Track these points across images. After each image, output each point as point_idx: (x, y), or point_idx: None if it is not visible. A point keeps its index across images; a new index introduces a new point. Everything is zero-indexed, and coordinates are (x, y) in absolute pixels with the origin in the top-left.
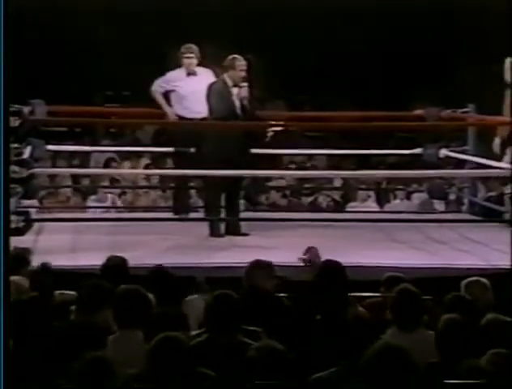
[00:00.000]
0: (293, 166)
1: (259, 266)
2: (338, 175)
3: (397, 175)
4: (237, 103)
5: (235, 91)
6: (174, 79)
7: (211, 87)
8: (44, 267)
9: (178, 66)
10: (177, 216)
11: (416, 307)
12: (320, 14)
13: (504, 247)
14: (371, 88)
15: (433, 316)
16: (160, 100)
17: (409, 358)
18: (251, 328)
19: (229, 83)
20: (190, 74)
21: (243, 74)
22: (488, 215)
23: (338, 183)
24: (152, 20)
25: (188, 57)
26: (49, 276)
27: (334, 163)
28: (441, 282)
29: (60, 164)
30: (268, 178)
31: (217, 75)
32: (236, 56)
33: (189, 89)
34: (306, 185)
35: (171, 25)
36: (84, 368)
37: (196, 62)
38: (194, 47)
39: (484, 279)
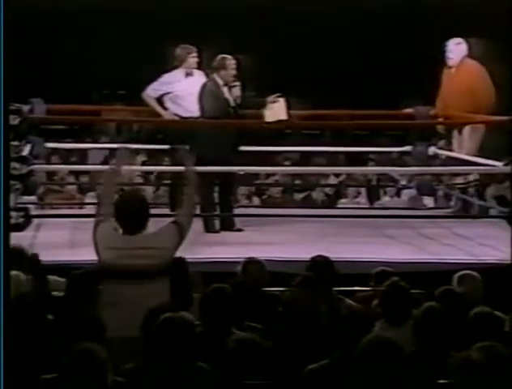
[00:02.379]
0: (288, 163)
1: (254, 262)
2: (330, 171)
3: (390, 171)
4: (230, 102)
5: (226, 90)
6: (171, 81)
7: (203, 87)
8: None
9: (173, 67)
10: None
11: (404, 301)
12: (317, 15)
13: (490, 242)
14: (363, 87)
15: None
16: (154, 104)
17: (399, 350)
18: (251, 324)
19: (220, 82)
20: (189, 74)
21: (234, 73)
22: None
23: (331, 180)
24: (149, 20)
25: (194, 57)
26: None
27: (329, 161)
28: (429, 276)
29: (58, 162)
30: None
31: (208, 77)
32: (226, 56)
33: (187, 90)
34: (297, 182)
35: (167, 25)
36: (73, 360)
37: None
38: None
39: (475, 273)
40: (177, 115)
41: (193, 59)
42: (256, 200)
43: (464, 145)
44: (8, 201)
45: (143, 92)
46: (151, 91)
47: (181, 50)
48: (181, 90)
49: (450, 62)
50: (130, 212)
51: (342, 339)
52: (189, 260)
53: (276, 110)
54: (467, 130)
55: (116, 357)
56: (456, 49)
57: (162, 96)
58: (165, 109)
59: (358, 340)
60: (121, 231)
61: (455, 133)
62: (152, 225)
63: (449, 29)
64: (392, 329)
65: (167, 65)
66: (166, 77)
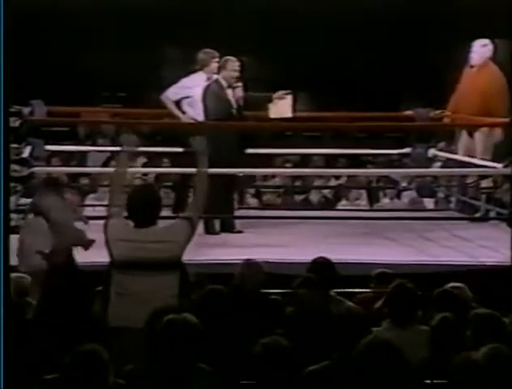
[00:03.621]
0: (288, 165)
1: (251, 264)
2: (330, 173)
3: (391, 173)
4: (233, 104)
5: (229, 91)
6: (191, 85)
7: (206, 88)
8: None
9: (192, 70)
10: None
11: (411, 303)
12: (317, 15)
13: (489, 244)
14: (363, 88)
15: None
16: (173, 107)
17: (397, 352)
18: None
19: (224, 84)
20: (209, 79)
21: (236, 74)
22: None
23: (332, 182)
24: (150, 20)
25: (217, 62)
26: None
27: (329, 163)
28: (429, 278)
29: (58, 164)
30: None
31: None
32: (228, 57)
33: None
34: (297, 184)
35: (168, 26)
36: (75, 361)
37: None
38: None
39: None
40: (194, 119)
41: (215, 64)
42: (255, 202)
43: (477, 149)
44: (8, 203)
45: (162, 94)
46: (172, 95)
47: (204, 54)
48: (200, 95)
49: (472, 62)
50: (142, 205)
51: (341, 340)
52: (188, 261)
53: (281, 107)
54: (478, 133)
55: (123, 347)
56: (480, 50)
57: (181, 99)
58: (183, 112)
59: (357, 342)
60: (132, 224)
61: (465, 136)
62: None
63: (449, 29)
64: (397, 330)
65: (167, 66)
66: (186, 81)
